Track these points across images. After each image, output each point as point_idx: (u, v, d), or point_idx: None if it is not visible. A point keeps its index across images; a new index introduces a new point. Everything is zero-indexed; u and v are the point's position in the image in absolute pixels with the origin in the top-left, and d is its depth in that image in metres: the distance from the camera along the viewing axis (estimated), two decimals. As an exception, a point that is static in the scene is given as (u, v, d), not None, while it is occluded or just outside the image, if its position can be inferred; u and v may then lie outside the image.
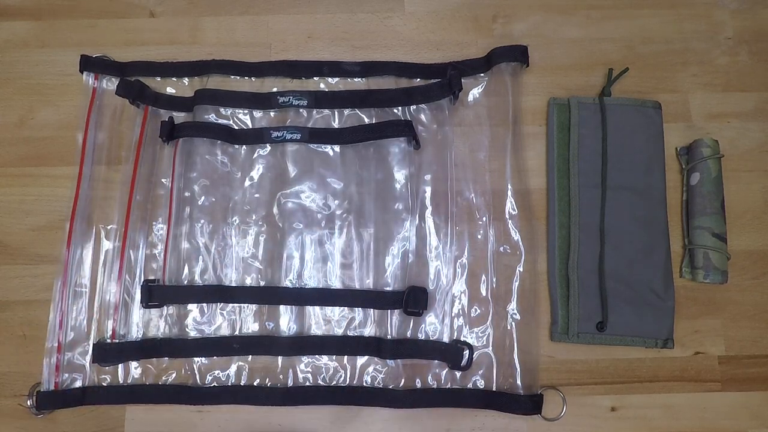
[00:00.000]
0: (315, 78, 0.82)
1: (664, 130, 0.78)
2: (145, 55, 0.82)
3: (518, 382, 0.72)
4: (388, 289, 0.75)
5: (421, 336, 0.74)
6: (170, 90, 0.82)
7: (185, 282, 0.75)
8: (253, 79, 0.82)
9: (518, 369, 0.72)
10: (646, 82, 0.82)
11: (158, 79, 0.82)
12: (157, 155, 0.79)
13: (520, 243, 0.76)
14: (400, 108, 0.80)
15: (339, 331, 0.74)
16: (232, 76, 0.82)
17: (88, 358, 0.73)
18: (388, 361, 0.73)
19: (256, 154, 0.79)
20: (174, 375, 0.73)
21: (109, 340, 0.73)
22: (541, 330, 0.74)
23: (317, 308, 0.75)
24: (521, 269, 0.75)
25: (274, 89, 0.80)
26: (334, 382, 0.73)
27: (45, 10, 0.84)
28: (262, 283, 0.75)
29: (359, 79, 0.82)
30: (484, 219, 0.76)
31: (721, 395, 0.73)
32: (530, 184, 0.78)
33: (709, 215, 0.74)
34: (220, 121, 0.80)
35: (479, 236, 0.76)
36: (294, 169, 0.78)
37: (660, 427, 0.72)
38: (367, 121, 0.80)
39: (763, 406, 0.73)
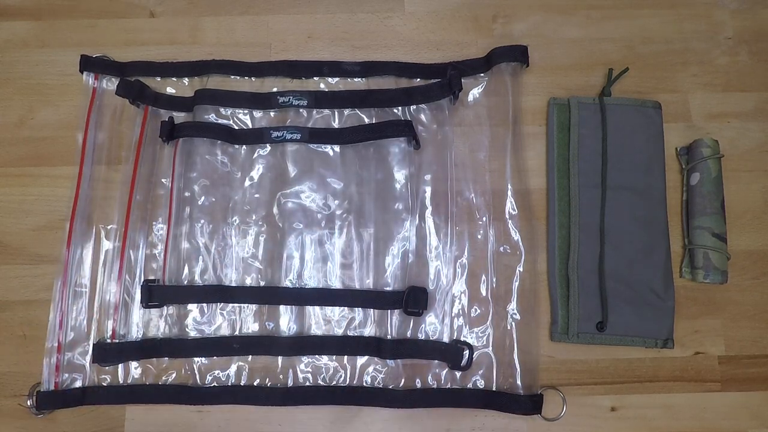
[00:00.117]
0: (315, 78, 0.82)
1: (664, 130, 0.78)
2: (145, 55, 0.82)
3: (518, 382, 0.72)
4: (388, 289, 0.75)
5: (421, 336, 0.74)
6: (170, 90, 0.82)
7: (185, 282, 0.75)
8: (253, 79, 0.82)
9: (518, 369, 0.72)
10: (646, 82, 0.82)
11: (158, 79, 0.82)
12: (157, 155, 0.79)
13: (520, 243, 0.76)
14: (400, 108, 0.80)
15: (339, 331, 0.74)
16: (232, 76, 0.82)
17: (88, 358, 0.73)
18: (388, 361, 0.73)
19: (256, 154, 0.79)
20: (174, 375, 0.73)
21: (109, 340, 0.73)
22: (541, 330, 0.74)
23: (317, 308, 0.75)
24: (521, 269, 0.75)
25: (274, 89, 0.80)
26: (334, 382, 0.73)
27: (45, 10, 0.84)
28: (262, 283, 0.75)
29: (359, 79, 0.82)
30: (484, 219, 0.76)
31: (721, 395, 0.73)
32: (530, 184, 0.78)
33: (709, 215, 0.74)
34: (220, 121, 0.80)
35: (479, 236, 0.76)
36: (294, 169, 0.78)
37: (660, 427, 0.72)
38: (367, 121, 0.80)
39: (763, 406, 0.73)
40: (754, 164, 0.79)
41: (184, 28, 0.84)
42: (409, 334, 0.74)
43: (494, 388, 0.72)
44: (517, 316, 0.74)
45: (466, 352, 0.72)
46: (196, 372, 0.73)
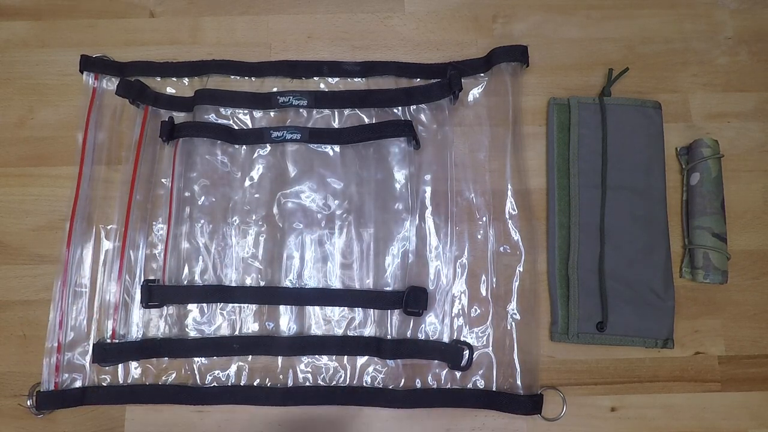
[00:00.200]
0: (315, 78, 0.82)
1: (664, 130, 0.78)
2: (145, 55, 0.82)
3: (518, 382, 0.72)
4: (388, 289, 0.75)
5: (421, 336, 0.74)
6: (170, 90, 0.82)
7: (185, 282, 0.75)
8: (253, 79, 0.82)
9: (518, 369, 0.72)
10: (646, 82, 0.82)
11: (158, 79, 0.82)
12: (157, 155, 0.79)
13: (520, 243, 0.76)
14: (400, 108, 0.80)
15: (339, 331, 0.74)
16: (232, 76, 0.82)
17: (88, 358, 0.73)
18: (388, 361, 0.73)
19: (256, 154, 0.79)
20: (174, 375, 0.73)
21: (109, 340, 0.73)
22: (541, 330, 0.74)
23: (317, 308, 0.75)
24: (521, 269, 0.75)
25: (274, 89, 0.80)
26: (334, 382, 0.73)
27: (45, 10, 0.84)
28: (262, 283, 0.75)
29: (359, 79, 0.82)
30: (484, 219, 0.76)
31: (721, 395, 0.73)
32: (530, 184, 0.78)
33: (709, 215, 0.74)
34: (220, 121, 0.80)
35: (479, 236, 0.76)
36: (294, 169, 0.78)
37: (660, 427, 0.72)
38: (367, 121, 0.80)
39: (763, 406, 0.73)
40: (754, 164, 0.79)
41: (184, 28, 0.84)
42: (409, 334, 0.73)
43: (494, 388, 0.72)
44: (517, 316, 0.74)
45: (466, 352, 0.72)
46: (196, 372, 0.73)
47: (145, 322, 0.74)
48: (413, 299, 0.72)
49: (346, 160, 0.78)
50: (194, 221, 0.76)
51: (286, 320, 0.74)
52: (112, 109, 0.80)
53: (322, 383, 0.73)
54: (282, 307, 0.75)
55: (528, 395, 0.71)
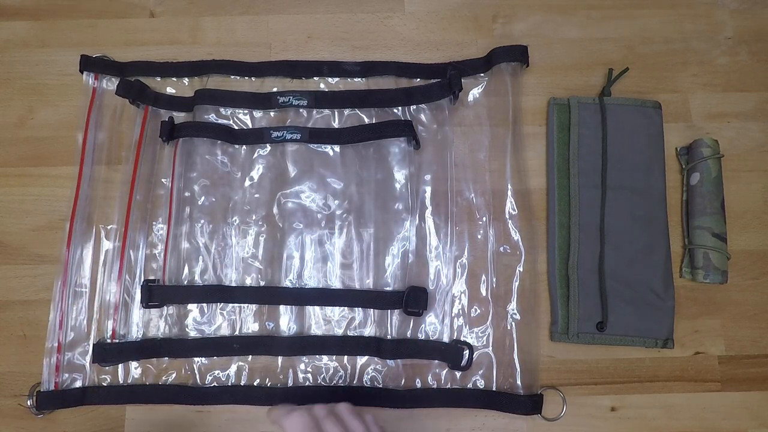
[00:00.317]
0: (315, 78, 0.82)
1: (664, 130, 0.78)
2: (145, 55, 0.82)
3: (518, 382, 0.72)
4: (388, 289, 0.75)
5: (421, 336, 0.74)
6: (170, 90, 0.82)
7: (185, 282, 0.75)
8: (253, 79, 0.82)
9: (518, 369, 0.72)
10: (646, 82, 0.82)
11: (158, 79, 0.82)
12: (157, 155, 0.79)
13: (520, 243, 0.76)
14: (400, 108, 0.80)
15: (339, 331, 0.74)
16: (232, 76, 0.82)
17: (88, 358, 0.73)
18: (388, 361, 0.73)
19: (256, 154, 0.79)
20: (174, 375, 0.73)
21: (109, 340, 0.73)
22: (541, 330, 0.75)
23: (317, 308, 0.75)
24: (521, 269, 0.75)
25: (274, 89, 0.80)
26: (334, 382, 0.73)
27: (45, 10, 0.84)
28: (262, 283, 0.75)
29: (359, 79, 0.82)
30: (484, 219, 0.76)
31: (721, 395, 0.73)
32: (530, 184, 0.78)
33: (709, 215, 0.74)
34: (220, 121, 0.80)
35: (479, 236, 0.76)
36: (294, 169, 0.78)
37: (660, 427, 0.72)
38: (367, 121, 0.80)
39: (763, 406, 0.73)
40: (754, 164, 0.79)
41: (184, 28, 0.84)
42: (409, 334, 0.74)
43: (494, 388, 0.72)
44: (517, 316, 0.74)
45: (466, 352, 0.72)
46: (196, 372, 0.73)
47: (145, 322, 0.74)
48: (413, 299, 0.72)
49: (346, 160, 0.78)
50: (194, 221, 0.76)
51: (286, 320, 0.74)
52: (112, 109, 0.80)
53: (322, 383, 0.73)
54: (282, 307, 0.75)
55: (528, 395, 0.71)
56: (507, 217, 0.77)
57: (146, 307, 0.74)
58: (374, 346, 0.73)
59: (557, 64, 0.82)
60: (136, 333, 0.74)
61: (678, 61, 0.83)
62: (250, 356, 0.73)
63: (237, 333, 0.74)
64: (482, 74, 0.81)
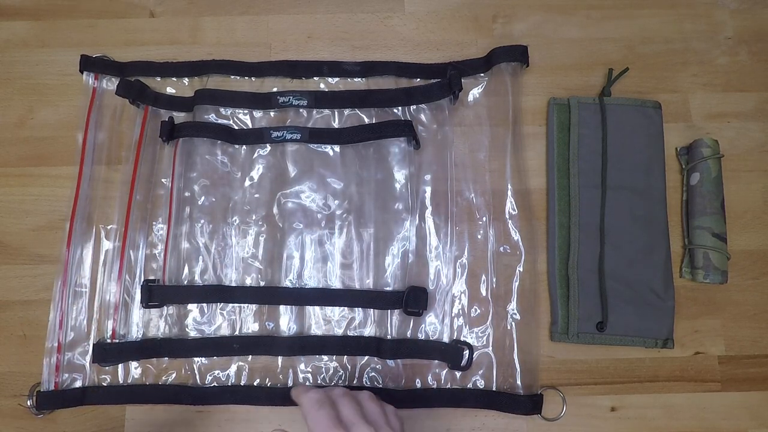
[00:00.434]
0: (315, 78, 0.82)
1: (664, 130, 0.78)
2: (145, 55, 0.82)
3: (518, 382, 0.72)
4: (388, 289, 0.75)
5: (421, 336, 0.74)
6: (170, 90, 0.82)
7: (185, 282, 0.75)
8: (253, 79, 0.82)
9: (518, 369, 0.72)
10: (646, 82, 0.82)
11: (158, 79, 0.82)
12: (157, 155, 0.79)
13: (520, 243, 0.76)
14: (400, 108, 0.80)
15: (339, 331, 0.74)
16: (232, 76, 0.82)
17: (88, 358, 0.73)
18: (388, 361, 0.73)
19: (256, 154, 0.79)
20: (174, 375, 0.73)
21: (109, 340, 0.73)
22: (541, 330, 0.75)
23: (317, 308, 0.75)
24: (521, 269, 0.75)
25: (274, 89, 0.80)
26: (334, 382, 0.73)
27: (45, 10, 0.84)
28: (262, 283, 0.75)
29: (359, 79, 0.82)
30: (484, 219, 0.76)
31: (721, 395, 0.73)
32: (530, 184, 0.78)
33: (709, 215, 0.74)
34: (220, 121, 0.80)
35: (479, 236, 0.76)
36: (294, 169, 0.78)
37: (660, 427, 0.72)
38: (367, 121, 0.80)
39: (763, 406, 0.73)
40: (754, 164, 0.79)
41: (184, 28, 0.84)
42: (409, 334, 0.74)
43: (494, 388, 0.72)
44: (517, 316, 0.74)
45: (466, 352, 0.72)
46: (196, 372, 0.73)
47: (145, 322, 0.74)
48: (413, 299, 0.72)
49: (346, 160, 0.78)
50: (194, 221, 0.76)
51: (286, 320, 0.74)
52: (112, 109, 0.80)
53: (322, 383, 0.73)
54: (282, 307, 0.75)
55: (528, 395, 0.71)
56: (507, 217, 0.77)
57: (146, 307, 0.74)
58: (374, 346, 0.73)
59: (557, 64, 0.82)
60: (136, 333, 0.74)
61: (678, 61, 0.83)
62: (250, 356, 0.73)
63: (237, 333, 0.74)
64: (482, 74, 0.81)
